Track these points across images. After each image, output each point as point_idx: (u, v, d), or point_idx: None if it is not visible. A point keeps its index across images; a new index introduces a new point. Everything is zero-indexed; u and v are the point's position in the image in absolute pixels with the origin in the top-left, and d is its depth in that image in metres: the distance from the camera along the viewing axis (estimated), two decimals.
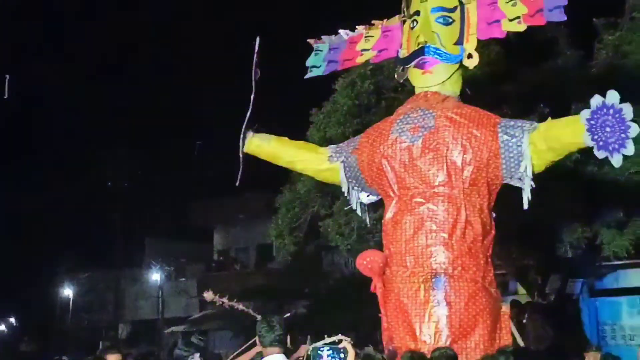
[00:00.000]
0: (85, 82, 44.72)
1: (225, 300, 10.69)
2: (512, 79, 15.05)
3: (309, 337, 9.59)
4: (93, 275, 44.51)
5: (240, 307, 10.50)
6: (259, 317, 7.73)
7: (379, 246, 8.81)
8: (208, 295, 10.82)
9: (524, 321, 15.54)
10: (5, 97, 18.88)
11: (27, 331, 42.18)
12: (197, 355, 7.34)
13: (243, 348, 10.16)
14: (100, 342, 40.50)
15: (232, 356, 10.24)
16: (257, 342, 6.79)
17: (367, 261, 8.27)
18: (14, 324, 47.27)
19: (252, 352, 8.96)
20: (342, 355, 5.95)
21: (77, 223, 41.59)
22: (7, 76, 18.81)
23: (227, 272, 39.13)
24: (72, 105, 44.82)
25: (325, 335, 9.08)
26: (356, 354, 7.19)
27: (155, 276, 40.62)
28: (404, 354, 7.18)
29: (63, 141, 45.05)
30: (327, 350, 6.01)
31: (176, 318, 38.71)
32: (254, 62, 9.04)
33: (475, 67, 8.64)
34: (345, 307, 24.09)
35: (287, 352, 6.61)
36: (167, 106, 43.81)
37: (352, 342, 8.12)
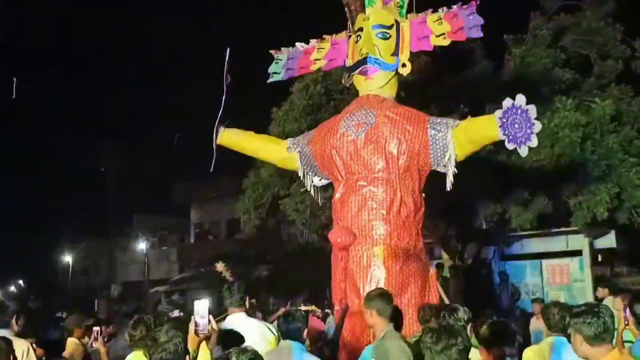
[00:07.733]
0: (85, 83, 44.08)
1: (228, 273, 10.74)
2: (438, 84, 15.14)
3: (289, 302, 9.56)
4: (89, 244, 44.20)
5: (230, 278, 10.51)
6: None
7: (329, 221, 8.81)
8: (219, 266, 10.89)
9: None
10: (13, 97, 18.36)
11: (33, 291, 41.66)
12: (177, 311, 7.26)
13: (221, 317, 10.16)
14: (96, 300, 40.41)
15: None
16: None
17: (341, 239, 8.20)
18: (22, 286, 46.84)
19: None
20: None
21: (77, 201, 41.34)
22: (15, 79, 18.29)
23: (202, 242, 39.00)
24: (73, 103, 44.38)
25: (302, 304, 9.09)
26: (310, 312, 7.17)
27: (142, 245, 40.35)
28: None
29: (65, 132, 44.51)
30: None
31: (159, 280, 38.63)
32: (225, 69, 8.96)
33: (408, 74, 8.66)
34: (299, 270, 24.16)
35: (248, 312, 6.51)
36: (154, 104, 43.51)
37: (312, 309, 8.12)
